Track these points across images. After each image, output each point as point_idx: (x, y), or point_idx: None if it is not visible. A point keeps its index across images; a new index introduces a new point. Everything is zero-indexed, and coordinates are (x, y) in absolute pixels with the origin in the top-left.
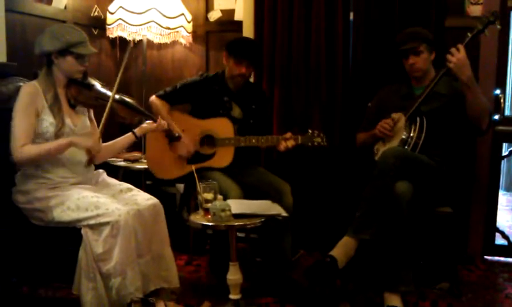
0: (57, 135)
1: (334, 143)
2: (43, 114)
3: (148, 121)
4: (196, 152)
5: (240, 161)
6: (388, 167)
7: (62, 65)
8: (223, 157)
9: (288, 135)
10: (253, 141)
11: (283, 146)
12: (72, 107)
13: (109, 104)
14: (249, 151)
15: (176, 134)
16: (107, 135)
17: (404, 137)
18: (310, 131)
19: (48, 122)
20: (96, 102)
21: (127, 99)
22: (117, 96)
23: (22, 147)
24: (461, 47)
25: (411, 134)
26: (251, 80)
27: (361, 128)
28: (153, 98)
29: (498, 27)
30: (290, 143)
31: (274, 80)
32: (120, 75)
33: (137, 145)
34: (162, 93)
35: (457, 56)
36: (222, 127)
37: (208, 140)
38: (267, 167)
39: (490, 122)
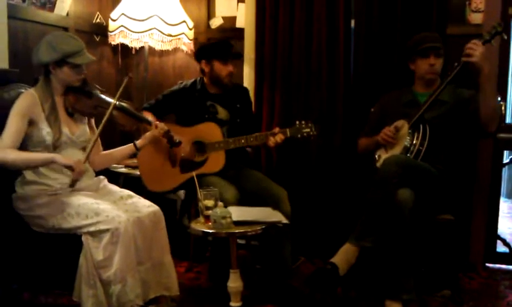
0: (55, 145)
1: (335, 149)
2: (40, 123)
3: (149, 132)
4: (188, 160)
5: (235, 164)
6: (390, 175)
7: (59, 75)
8: (215, 162)
9: (277, 130)
10: (242, 141)
11: (271, 141)
12: (70, 115)
13: (105, 117)
14: (243, 153)
15: (177, 140)
16: (108, 143)
17: (406, 144)
18: (297, 122)
19: (45, 132)
20: (95, 111)
21: (127, 106)
22: (117, 103)
23: (5, 149)
24: (478, 40)
25: (414, 142)
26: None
27: (362, 133)
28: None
29: (505, 37)
30: (279, 138)
31: (275, 86)
32: (117, 96)
33: None
34: (147, 106)
35: (480, 49)
36: (210, 132)
37: (199, 147)
38: (267, 173)
39: (498, 124)
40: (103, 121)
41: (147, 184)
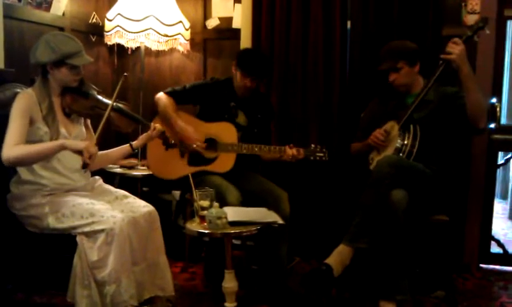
0: None
1: (331, 151)
2: (38, 123)
3: (145, 133)
4: (198, 155)
5: (240, 167)
6: (383, 176)
7: (57, 75)
8: (224, 162)
9: (291, 146)
10: (256, 149)
11: (287, 156)
12: (67, 115)
13: (106, 114)
14: (249, 158)
15: (172, 141)
16: (103, 144)
17: (398, 145)
18: (312, 145)
19: (43, 131)
20: (92, 111)
21: (124, 108)
22: (114, 104)
23: (12, 147)
24: (459, 39)
25: (405, 142)
26: None
27: (355, 139)
28: (160, 94)
29: (487, 32)
30: (293, 154)
31: (272, 88)
32: (114, 97)
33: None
34: (170, 90)
35: (459, 47)
36: (226, 132)
37: (211, 144)
38: (264, 175)
39: (487, 120)
40: (101, 122)
41: (152, 170)
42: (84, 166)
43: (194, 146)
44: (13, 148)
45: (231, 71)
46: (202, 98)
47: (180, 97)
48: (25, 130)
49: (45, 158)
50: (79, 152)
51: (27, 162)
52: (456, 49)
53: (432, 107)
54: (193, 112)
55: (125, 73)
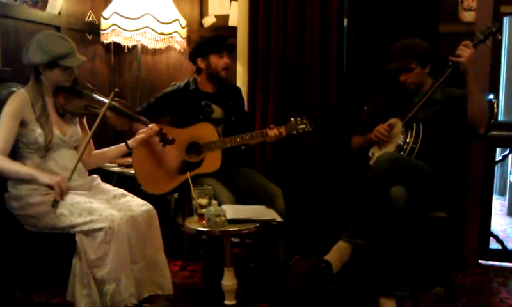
0: (47, 146)
1: (329, 147)
2: (31, 125)
3: (141, 130)
4: (184, 161)
5: (231, 163)
6: (382, 172)
7: (50, 77)
8: (212, 162)
9: (271, 126)
10: (238, 139)
11: (269, 137)
12: (61, 116)
13: (98, 119)
14: (239, 153)
15: (170, 138)
16: (100, 142)
17: (400, 142)
18: (292, 119)
19: (37, 133)
20: (86, 111)
21: (119, 106)
22: (111, 103)
23: None
24: (470, 42)
25: (408, 140)
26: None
27: (356, 131)
28: None
29: (500, 37)
30: (275, 134)
31: (269, 84)
32: (110, 97)
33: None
34: (140, 110)
35: (470, 51)
36: (205, 132)
37: (194, 147)
38: (260, 171)
39: (488, 125)
40: (96, 123)
41: (146, 188)
42: (54, 204)
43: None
44: None
45: (232, 70)
46: (171, 107)
47: (150, 113)
48: (13, 135)
49: (17, 179)
50: (51, 187)
51: (2, 175)
52: (466, 52)
53: (438, 107)
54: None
55: (116, 89)
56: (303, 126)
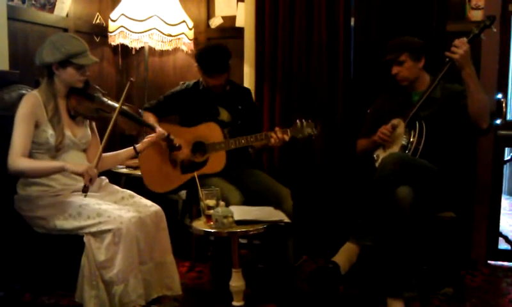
0: (58, 147)
1: (336, 148)
2: (43, 125)
3: (149, 136)
4: (189, 161)
5: (237, 164)
6: (387, 173)
7: (63, 76)
8: (216, 162)
9: (276, 129)
10: (243, 141)
11: (273, 139)
12: (72, 118)
13: (111, 122)
14: (245, 154)
15: (177, 144)
16: (108, 145)
17: (404, 142)
18: (298, 121)
19: (48, 134)
20: (97, 114)
21: (129, 110)
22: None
23: (18, 158)
24: (464, 39)
25: (411, 139)
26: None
27: (360, 134)
28: (141, 111)
29: (494, 30)
30: (279, 136)
31: (276, 86)
32: (121, 102)
33: None
34: (148, 106)
35: (464, 48)
36: (211, 132)
37: (200, 147)
38: (269, 173)
39: (491, 121)
40: (110, 126)
41: (149, 185)
42: (84, 189)
43: (182, 157)
44: (20, 160)
45: (238, 72)
46: (179, 106)
47: (159, 110)
48: (30, 137)
49: (46, 176)
50: (80, 175)
51: (29, 176)
52: (460, 49)
53: (438, 105)
54: (176, 121)
55: (132, 78)
56: (309, 129)
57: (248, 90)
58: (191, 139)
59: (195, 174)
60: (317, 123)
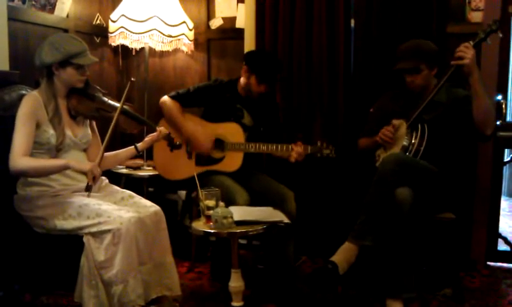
0: (59, 147)
1: (337, 148)
2: (44, 125)
3: (150, 135)
4: (207, 155)
5: (246, 167)
6: (388, 173)
7: (62, 76)
8: (232, 162)
9: (299, 144)
10: (263, 147)
11: (293, 157)
12: (73, 117)
13: (113, 122)
14: (254, 157)
15: (178, 142)
16: (109, 145)
17: (405, 144)
18: (319, 142)
19: (49, 134)
20: (98, 114)
21: (130, 110)
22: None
23: (20, 157)
24: (470, 43)
25: (413, 141)
26: None
27: (362, 134)
28: (165, 98)
29: (500, 35)
30: (300, 152)
31: (276, 87)
32: (122, 100)
33: None
34: (174, 94)
35: (471, 52)
36: (232, 132)
37: (218, 144)
38: (269, 174)
39: (495, 127)
40: (111, 125)
41: (158, 169)
42: (88, 188)
43: (203, 149)
44: (21, 159)
45: (238, 73)
46: (206, 100)
47: (185, 100)
48: (32, 137)
49: (48, 174)
50: (84, 173)
51: (31, 175)
52: (468, 54)
53: (443, 109)
54: (198, 113)
55: (132, 78)
56: (328, 151)
57: (276, 102)
58: (212, 134)
59: (195, 174)
60: (336, 148)
